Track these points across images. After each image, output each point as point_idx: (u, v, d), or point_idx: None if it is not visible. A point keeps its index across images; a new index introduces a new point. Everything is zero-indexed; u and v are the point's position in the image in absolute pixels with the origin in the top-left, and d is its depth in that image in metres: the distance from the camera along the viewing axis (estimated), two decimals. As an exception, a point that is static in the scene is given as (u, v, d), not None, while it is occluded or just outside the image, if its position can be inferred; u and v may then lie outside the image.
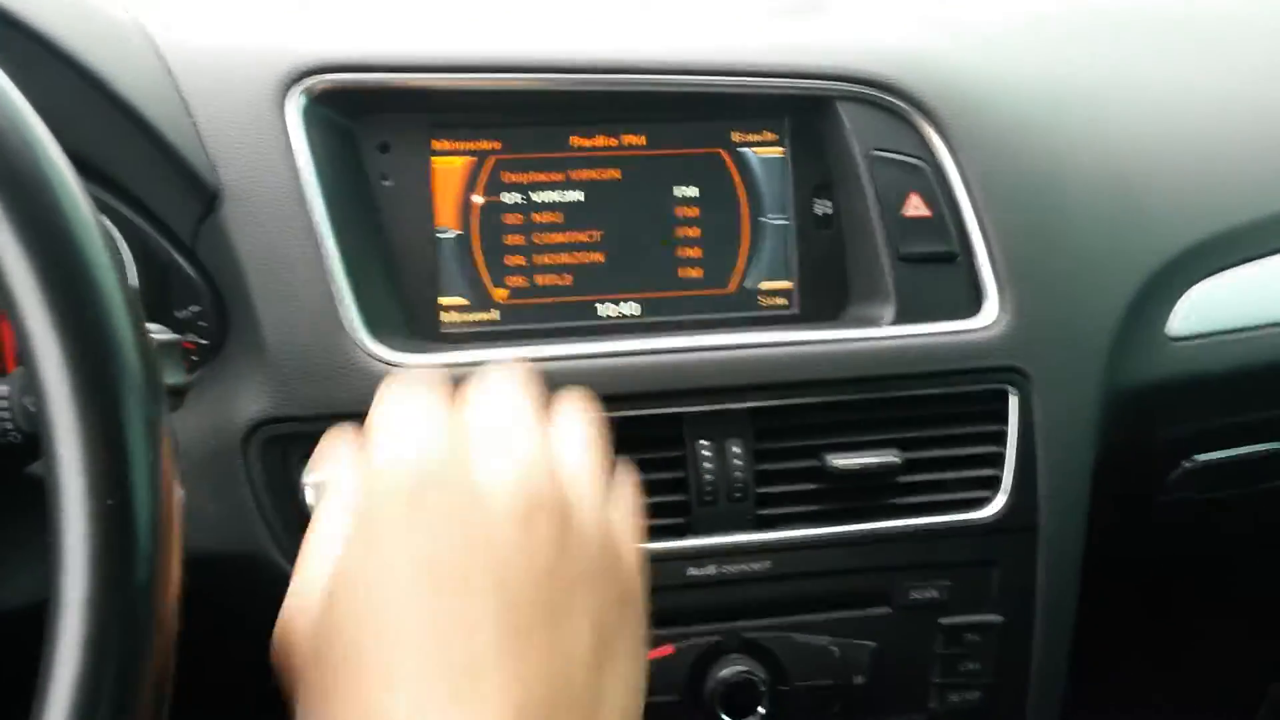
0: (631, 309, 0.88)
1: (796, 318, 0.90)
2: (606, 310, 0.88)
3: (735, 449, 0.82)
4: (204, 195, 0.76)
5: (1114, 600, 1.01)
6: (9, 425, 0.60)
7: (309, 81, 0.79)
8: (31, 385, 0.45)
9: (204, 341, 0.81)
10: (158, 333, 0.60)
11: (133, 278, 0.79)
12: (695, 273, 0.89)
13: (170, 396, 0.60)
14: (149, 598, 0.44)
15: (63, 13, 0.69)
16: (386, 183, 0.86)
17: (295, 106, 0.78)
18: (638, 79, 0.85)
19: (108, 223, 0.79)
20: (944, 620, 0.86)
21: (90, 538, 0.42)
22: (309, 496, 0.76)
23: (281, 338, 0.77)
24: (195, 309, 0.81)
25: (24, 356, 0.46)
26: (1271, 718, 1.05)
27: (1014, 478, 0.86)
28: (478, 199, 0.87)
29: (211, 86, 0.77)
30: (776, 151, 0.90)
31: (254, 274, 0.77)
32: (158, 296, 0.80)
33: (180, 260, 0.80)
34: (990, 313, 0.86)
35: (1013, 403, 0.86)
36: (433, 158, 0.86)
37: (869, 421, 0.84)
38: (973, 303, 0.86)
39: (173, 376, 0.60)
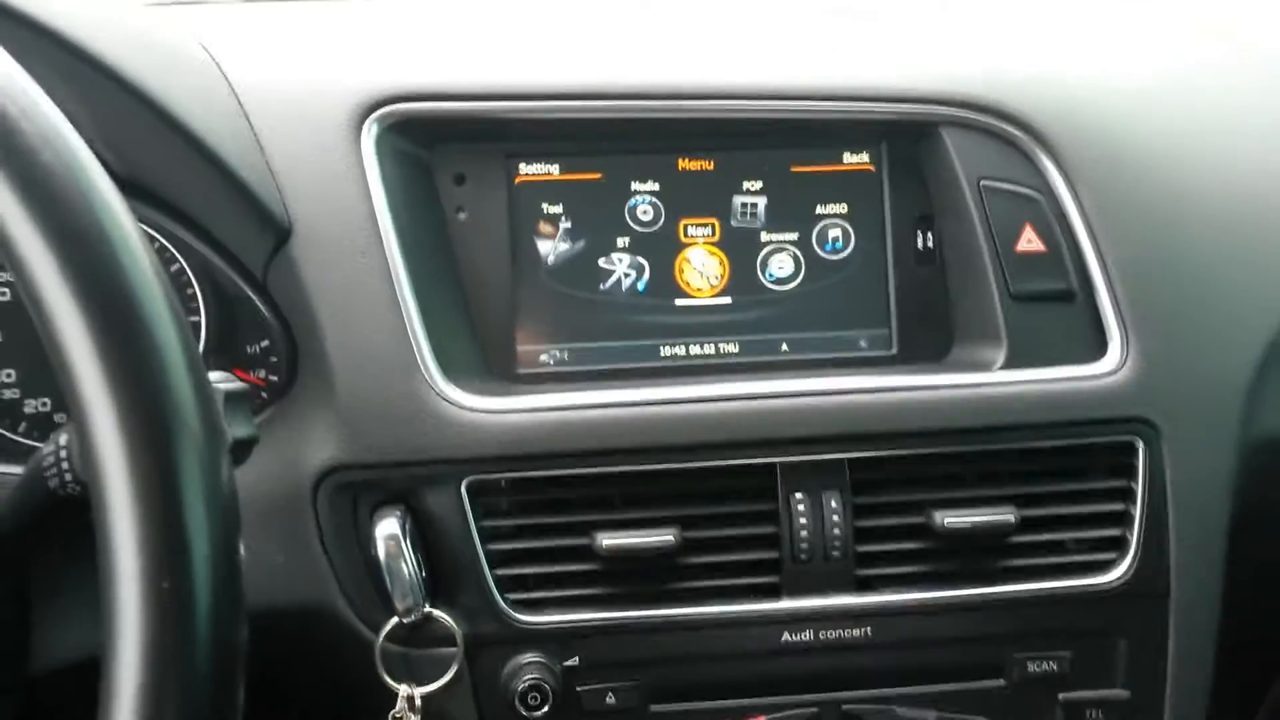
0: (730, 347, 0.83)
1: (895, 359, 0.84)
2: (702, 349, 0.83)
3: (832, 503, 0.75)
4: (275, 231, 0.73)
5: (1248, 672, 0.92)
6: (69, 476, 0.56)
7: (384, 111, 0.75)
8: (83, 448, 0.42)
9: (274, 378, 0.78)
10: (225, 381, 0.56)
11: (202, 311, 0.77)
12: (805, 310, 0.84)
13: (239, 449, 0.57)
14: (207, 691, 0.39)
15: (136, 50, 0.67)
16: (462, 215, 0.82)
17: (370, 137, 0.75)
18: (740, 105, 0.79)
19: (171, 249, 0.77)
20: (1064, 695, 0.78)
21: (144, 626, 0.38)
22: (380, 548, 0.73)
23: (352, 379, 0.73)
24: (265, 344, 0.78)
25: (74, 415, 0.42)
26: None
27: (1142, 539, 0.77)
28: (565, 227, 0.82)
29: (284, 119, 0.74)
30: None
31: (325, 311, 0.73)
32: (227, 331, 0.77)
33: (251, 295, 0.77)
34: (1114, 357, 0.78)
35: (1140, 456, 0.78)
36: (513, 188, 0.82)
37: (980, 476, 0.77)
38: (1094, 346, 0.79)
39: (242, 428, 0.56)
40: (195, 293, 0.77)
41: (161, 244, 0.76)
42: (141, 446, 0.41)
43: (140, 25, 0.71)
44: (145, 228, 0.75)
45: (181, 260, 0.76)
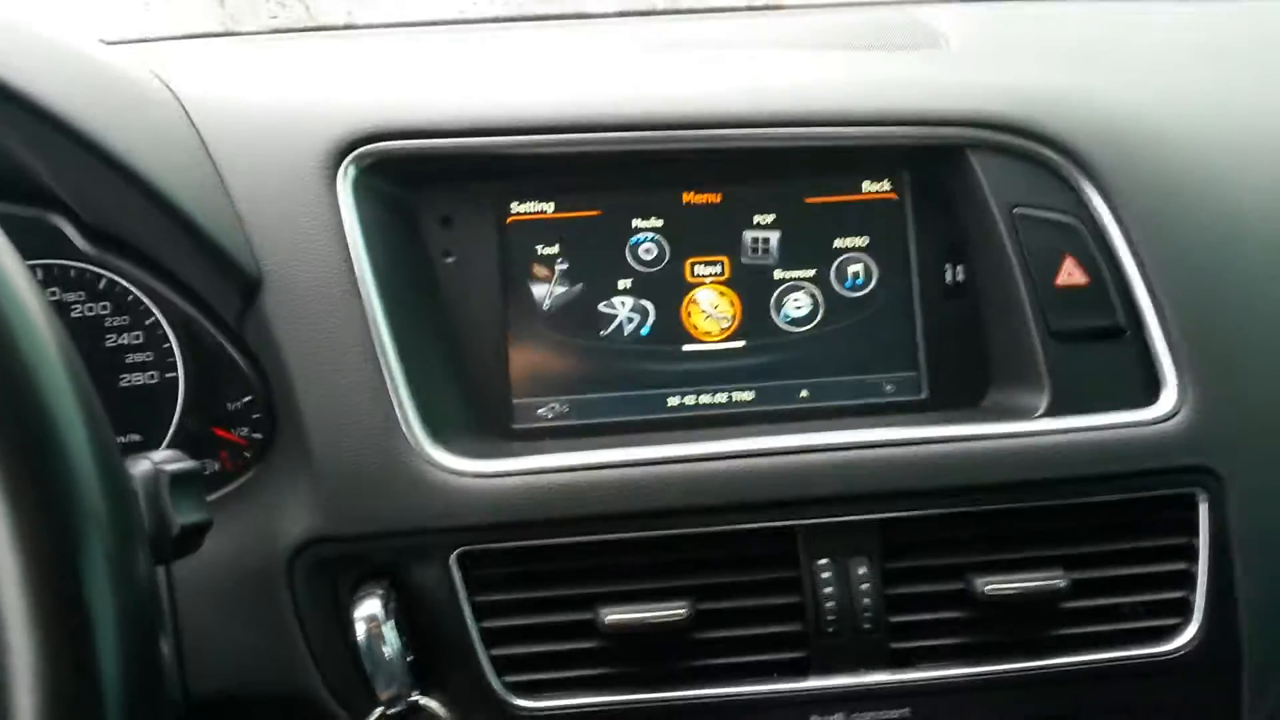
0: (744, 395, 0.76)
1: (926, 405, 0.77)
2: (713, 398, 0.76)
3: (861, 569, 0.68)
4: (243, 283, 0.67)
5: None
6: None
7: (361, 151, 0.70)
8: None
9: (257, 436, 0.72)
10: (172, 461, 0.50)
11: (179, 366, 0.71)
12: (824, 354, 0.77)
13: (188, 535, 0.51)
14: None
15: (89, 96, 0.61)
16: (449, 259, 0.76)
17: (346, 180, 0.69)
18: (749, 133, 0.73)
19: (146, 301, 0.72)
20: (1126, 780, 0.71)
21: None
22: (359, 631, 0.67)
23: (330, 442, 0.67)
24: (247, 400, 0.72)
25: None
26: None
27: (1208, 601, 0.70)
28: (561, 269, 0.76)
29: (252, 162, 0.69)
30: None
31: (298, 369, 0.67)
32: (207, 386, 0.72)
33: (229, 348, 0.71)
34: (1169, 400, 0.71)
35: (1202, 510, 0.70)
36: (505, 229, 0.76)
37: (1023, 535, 0.70)
38: (1146, 388, 0.71)
39: (191, 513, 0.50)
40: (172, 346, 0.72)
41: (136, 296, 0.71)
42: (35, 550, 0.36)
43: (96, 67, 0.65)
44: (119, 279, 0.71)
45: (157, 313, 0.71)
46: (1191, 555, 0.71)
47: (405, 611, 0.67)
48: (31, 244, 0.70)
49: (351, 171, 0.69)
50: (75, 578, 0.36)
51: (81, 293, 0.71)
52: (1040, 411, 0.71)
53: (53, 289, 0.71)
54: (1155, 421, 0.70)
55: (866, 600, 0.68)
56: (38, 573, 0.36)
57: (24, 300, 0.38)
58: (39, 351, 0.37)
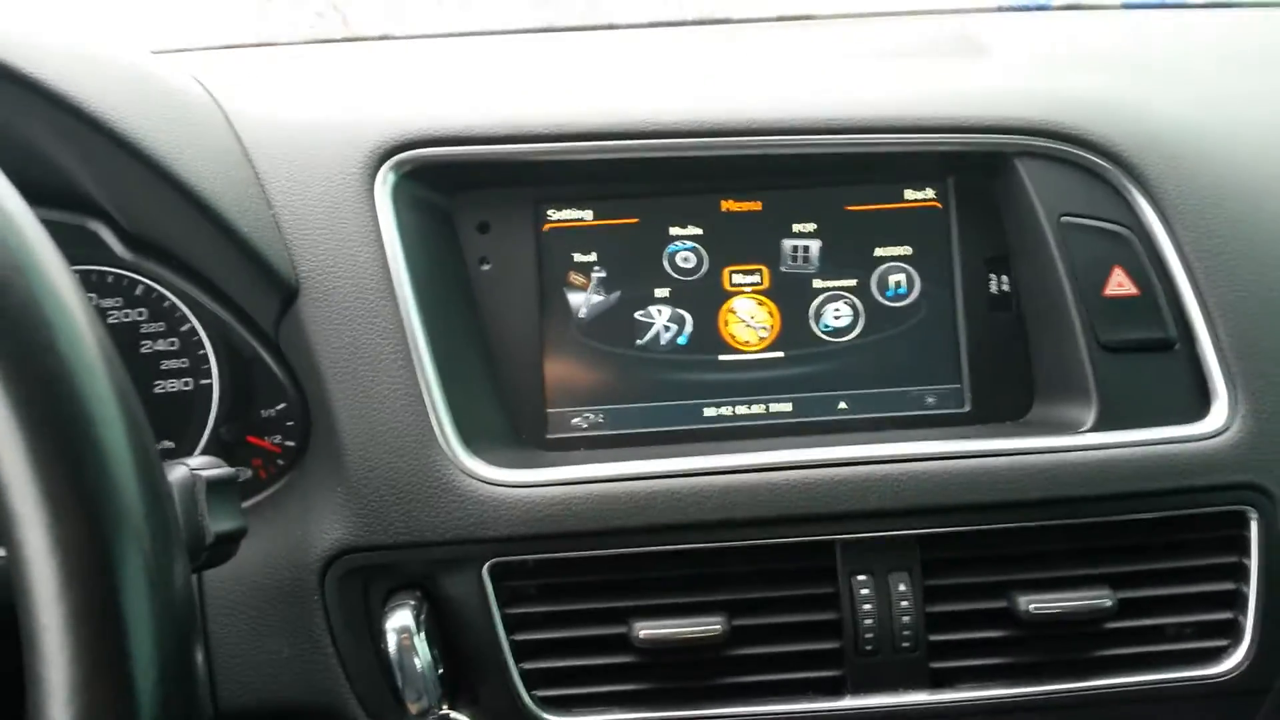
0: (782, 406, 0.75)
1: (969, 418, 0.75)
2: (750, 409, 0.75)
3: (900, 585, 0.67)
4: (281, 289, 0.67)
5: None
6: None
7: (400, 158, 0.69)
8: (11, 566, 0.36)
9: (290, 444, 0.72)
10: (208, 467, 0.50)
11: (215, 373, 0.71)
12: (861, 366, 0.76)
13: (223, 543, 0.50)
14: None
15: (136, 104, 0.61)
16: (486, 267, 0.75)
17: (384, 186, 0.69)
18: (790, 140, 0.72)
19: (183, 307, 0.72)
20: (1173, 808, 0.69)
21: None
22: (390, 643, 0.66)
23: (363, 450, 0.66)
24: (281, 408, 0.72)
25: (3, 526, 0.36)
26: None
27: (1259, 623, 0.68)
28: (598, 277, 0.75)
29: (292, 168, 0.68)
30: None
31: (334, 376, 0.67)
32: (243, 393, 0.71)
33: (264, 355, 0.71)
34: (1220, 415, 0.69)
35: (1254, 528, 0.68)
36: (542, 236, 0.75)
37: (1068, 553, 0.69)
38: (1196, 402, 0.70)
39: (227, 520, 0.50)
40: (208, 353, 0.72)
41: (172, 302, 0.71)
42: (73, 556, 0.35)
43: (142, 75, 0.65)
44: (156, 285, 0.71)
45: (193, 319, 0.71)
46: (1242, 575, 0.69)
47: (437, 623, 0.66)
48: (70, 250, 0.70)
49: (390, 178, 0.69)
50: (112, 585, 0.36)
51: (118, 299, 0.71)
52: (1087, 425, 0.69)
53: (90, 295, 0.71)
54: (1205, 437, 0.68)
55: (906, 618, 0.67)
56: (75, 579, 0.35)
57: (67, 302, 0.37)
58: (79, 351, 0.36)
